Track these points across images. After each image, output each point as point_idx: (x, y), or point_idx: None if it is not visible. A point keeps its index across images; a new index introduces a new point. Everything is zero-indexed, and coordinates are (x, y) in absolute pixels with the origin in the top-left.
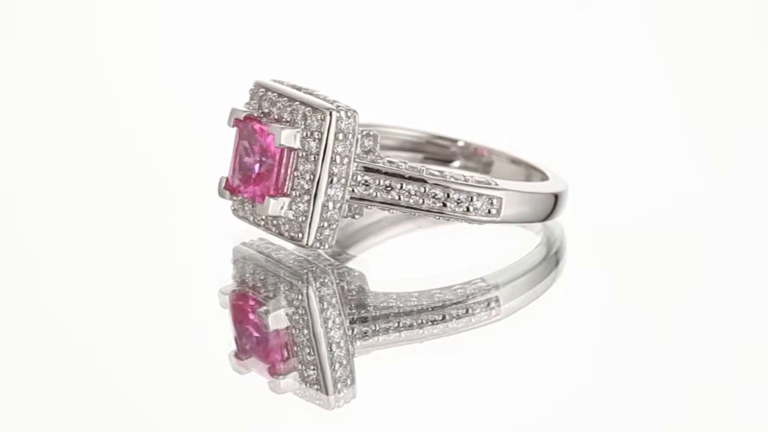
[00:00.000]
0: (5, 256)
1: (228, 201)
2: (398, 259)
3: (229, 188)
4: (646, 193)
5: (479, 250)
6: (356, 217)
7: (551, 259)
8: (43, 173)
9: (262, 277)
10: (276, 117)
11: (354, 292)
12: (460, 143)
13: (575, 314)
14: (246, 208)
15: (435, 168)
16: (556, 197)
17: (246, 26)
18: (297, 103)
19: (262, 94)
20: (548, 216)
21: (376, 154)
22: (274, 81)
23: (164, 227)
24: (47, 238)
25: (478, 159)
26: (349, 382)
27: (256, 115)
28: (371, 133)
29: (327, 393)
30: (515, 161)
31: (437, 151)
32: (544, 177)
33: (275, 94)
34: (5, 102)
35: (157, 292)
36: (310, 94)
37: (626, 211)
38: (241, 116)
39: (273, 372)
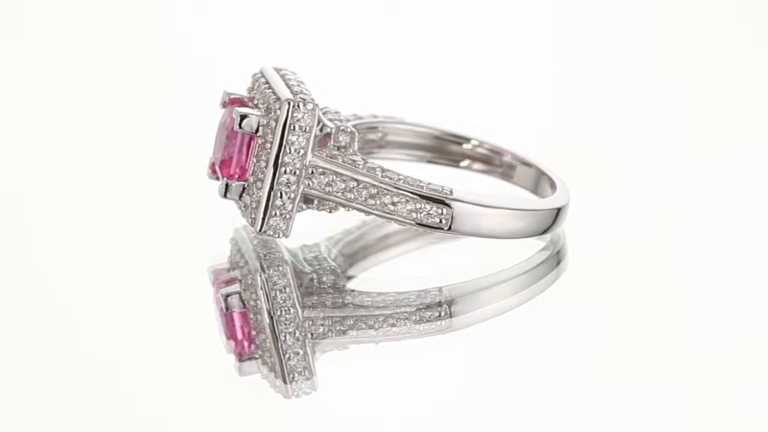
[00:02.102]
0: None
1: None
2: (382, 262)
3: (212, 169)
4: (646, 196)
5: (474, 260)
6: (331, 212)
7: (549, 263)
8: (39, 163)
9: (237, 260)
10: (255, 103)
11: (317, 285)
12: (474, 142)
13: (542, 328)
14: None
15: (394, 171)
16: (558, 211)
17: (262, 19)
18: (270, 90)
19: (257, 78)
20: (543, 232)
21: (350, 151)
22: (275, 68)
23: (172, 206)
24: (46, 228)
25: (494, 160)
26: (306, 373)
27: (244, 99)
28: (348, 129)
29: (284, 381)
30: (527, 164)
31: (447, 148)
32: (552, 184)
33: (264, 79)
34: None
35: (155, 270)
36: (287, 82)
37: (626, 214)
38: (227, 98)
39: (238, 354)
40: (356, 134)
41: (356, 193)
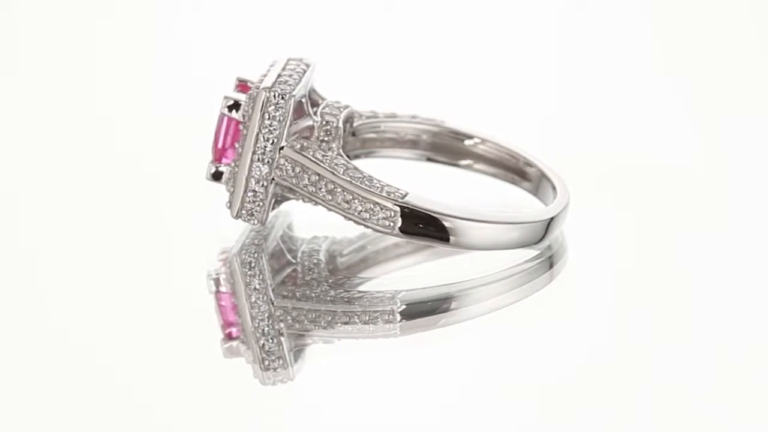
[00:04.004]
0: None
1: None
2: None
3: None
4: (647, 197)
5: (469, 269)
6: (316, 204)
7: (537, 271)
8: (41, 158)
9: (231, 244)
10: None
11: (300, 277)
12: (476, 140)
13: (511, 334)
14: None
15: (359, 170)
16: (548, 223)
17: (271, 11)
18: (262, 79)
19: (269, 65)
20: (523, 245)
21: (333, 146)
22: (289, 59)
23: (183, 193)
24: (47, 221)
25: (498, 161)
26: (281, 362)
27: (252, 84)
28: (334, 124)
29: (261, 368)
30: (530, 165)
31: (448, 145)
32: (554, 189)
33: (270, 68)
34: None
35: (163, 255)
36: (282, 72)
37: (624, 214)
38: (236, 83)
39: (225, 335)
40: (340, 130)
41: (317, 188)
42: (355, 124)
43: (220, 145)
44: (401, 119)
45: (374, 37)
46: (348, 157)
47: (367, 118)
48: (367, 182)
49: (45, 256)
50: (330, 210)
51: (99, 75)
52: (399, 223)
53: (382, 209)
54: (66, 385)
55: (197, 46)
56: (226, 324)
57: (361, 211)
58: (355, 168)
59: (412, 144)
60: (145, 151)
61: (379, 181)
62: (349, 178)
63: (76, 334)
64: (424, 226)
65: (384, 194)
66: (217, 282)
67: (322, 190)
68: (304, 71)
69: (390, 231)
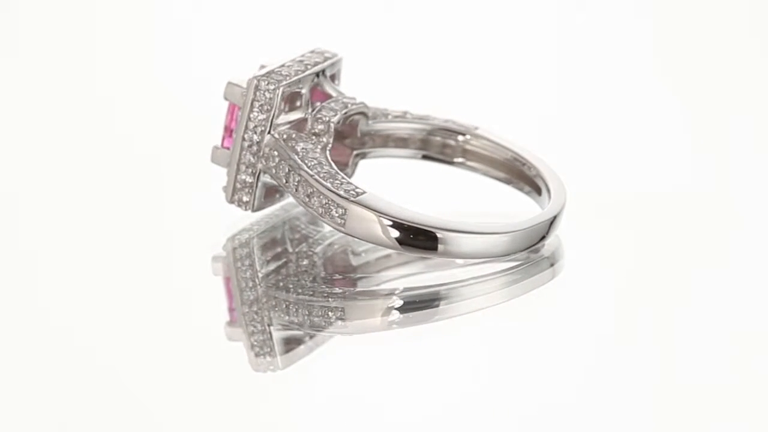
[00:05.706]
0: None
1: None
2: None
3: None
4: (645, 197)
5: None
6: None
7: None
8: (40, 155)
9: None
10: None
11: (294, 267)
12: (468, 136)
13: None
14: None
15: (329, 165)
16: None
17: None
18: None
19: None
20: (491, 255)
21: (322, 140)
22: (314, 50)
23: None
24: (50, 215)
25: (492, 159)
26: (267, 349)
27: None
28: (325, 119)
29: (253, 354)
30: (528, 165)
31: (442, 142)
32: (549, 192)
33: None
34: None
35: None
36: (285, 62)
37: (623, 216)
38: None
39: (230, 319)
40: (332, 126)
41: (289, 180)
42: (370, 123)
43: (226, 129)
44: (397, 119)
45: (395, 36)
46: (358, 156)
47: (394, 117)
48: (330, 179)
49: (46, 244)
50: (299, 204)
51: (99, 69)
52: (348, 221)
53: (336, 207)
54: (65, 368)
55: (224, 36)
56: (231, 308)
57: (318, 206)
58: (328, 163)
59: (407, 142)
60: (155, 134)
61: (343, 178)
62: (314, 173)
63: (78, 323)
64: (369, 227)
65: (340, 192)
66: (222, 266)
67: (292, 182)
68: (317, 63)
69: (342, 228)
